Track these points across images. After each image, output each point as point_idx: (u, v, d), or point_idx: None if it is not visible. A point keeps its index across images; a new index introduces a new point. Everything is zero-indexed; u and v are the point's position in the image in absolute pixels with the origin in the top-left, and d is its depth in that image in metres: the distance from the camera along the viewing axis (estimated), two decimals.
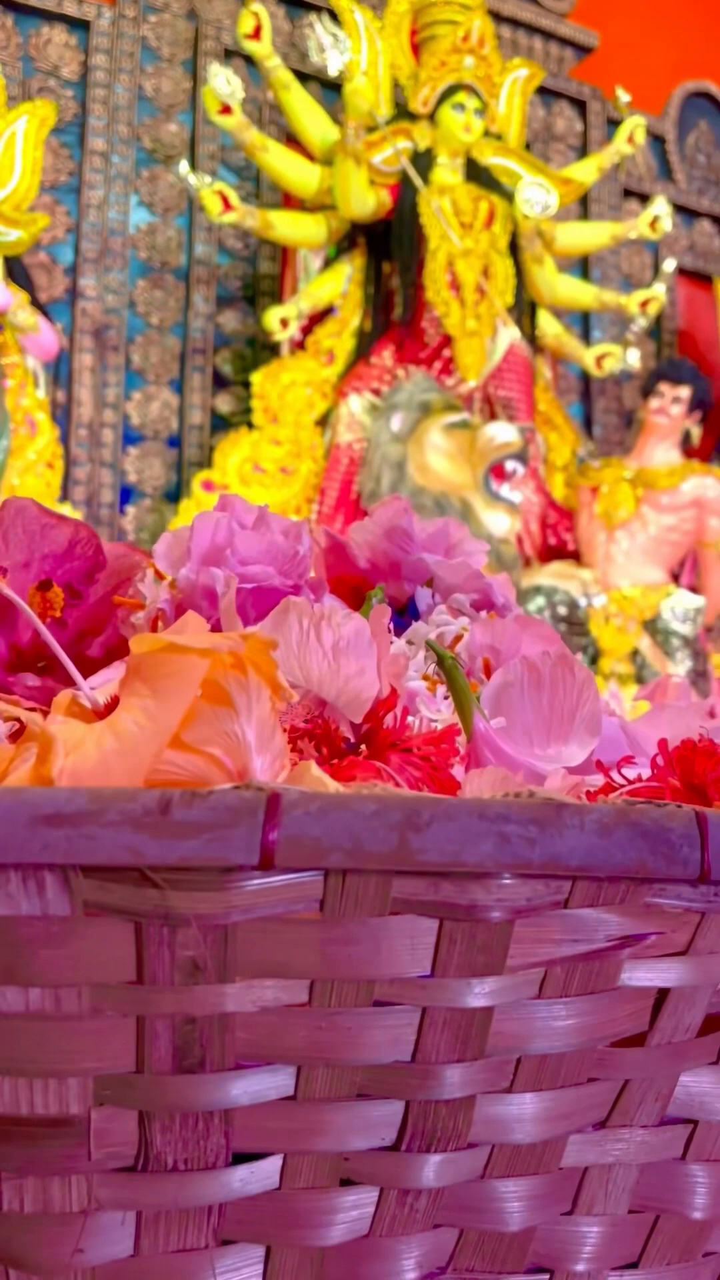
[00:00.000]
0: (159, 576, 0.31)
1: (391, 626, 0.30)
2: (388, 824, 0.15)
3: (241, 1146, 0.17)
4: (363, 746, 0.23)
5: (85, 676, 0.29)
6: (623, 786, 0.22)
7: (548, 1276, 0.19)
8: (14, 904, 0.15)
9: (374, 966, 0.16)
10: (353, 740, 0.23)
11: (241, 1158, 0.17)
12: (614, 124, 3.17)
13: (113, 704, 0.20)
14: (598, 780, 0.23)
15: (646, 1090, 0.18)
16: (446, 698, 0.27)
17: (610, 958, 0.17)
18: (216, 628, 0.30)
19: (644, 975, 0.17)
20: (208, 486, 2.62)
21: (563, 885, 0.16)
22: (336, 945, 0.16)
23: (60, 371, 2.67)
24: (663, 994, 0.18)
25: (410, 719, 0.25)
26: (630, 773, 0.23)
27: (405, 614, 0.32)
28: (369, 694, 0.24)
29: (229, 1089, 0.16)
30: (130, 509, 2.71)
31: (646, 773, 0.23)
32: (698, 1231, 0.19)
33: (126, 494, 2.71)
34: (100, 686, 0.22)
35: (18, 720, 0.28)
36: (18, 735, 0.26)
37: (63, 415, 2.64)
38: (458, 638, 0.29)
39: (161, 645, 0.18)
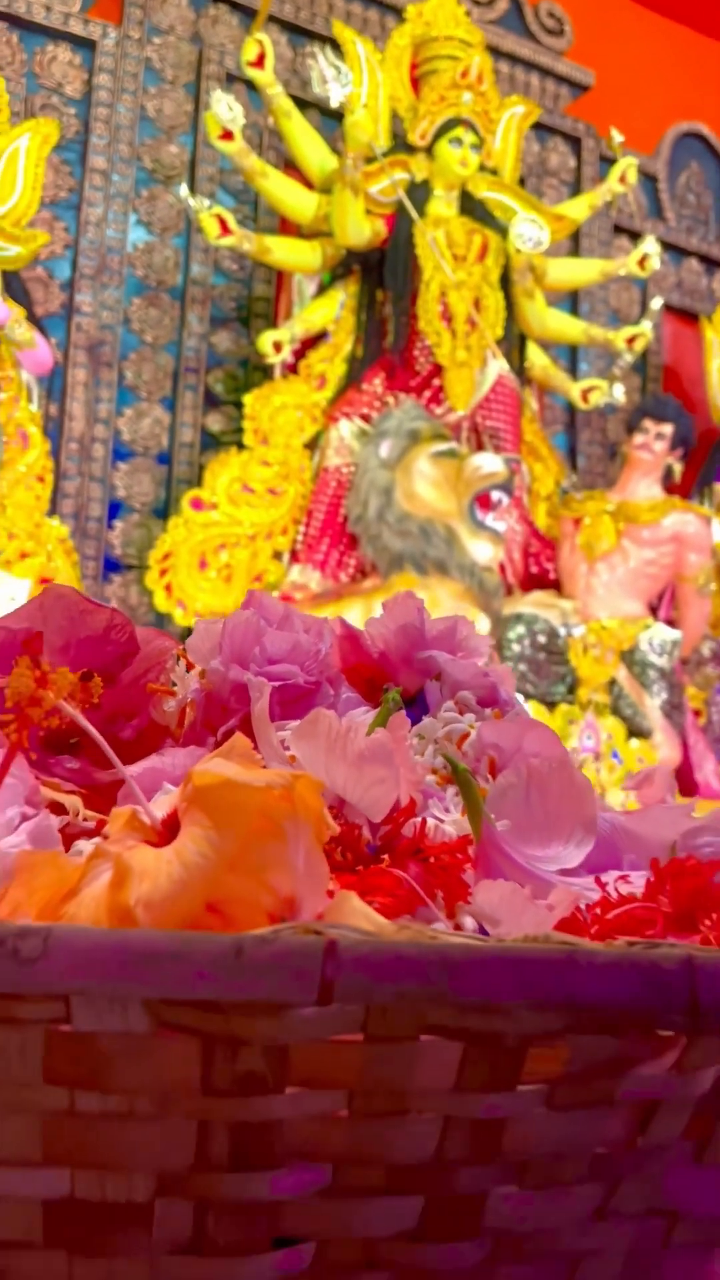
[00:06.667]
0: (189, 666, 0.34)
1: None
2: (427, 968, 0.17)
3: (281, 1232, 0.19)
4: (385, 855, 0.25)
5: (118, 756, 0.31)
6: (619, 906, 0.24)
7: None
8: (101, 1023, 0.17)
9: (405, 1081, 0.18)
10: (374, 843, 0.26)
11: (281, 1241, 0.19)
12: (607, 161, 3.23)
13: (170, 821, 0.22)
14: (593, 891, 0.26)
15: (635, 1187, 0.20)
16: (456, 796, 0.29)
17: (610, 1075, 0.19)
18: (245, 721, 0.32)
19: (638, 1090, 0.20)
20: (196, 505, 2.64)
21: (571, 1016, 0.18)
22: (374, 1064, 0.18)
23: (53, 386, 2.68)
24: (654, 1104, 0.20)
25: (429, 819, 0.28)
26: (624, 888, 0.25)
27: (415, 704, 0.35)
28: (388, 800, 0.27)
29: (275, 1184, 0.19)
30: (118, 524, 2.73)
31: (637, 880, 0.26)
32: None
33: (115, 509, 2.72)
34: (156, 801, 0.24)
35: (62, 807, 0.31)
36: (67, 828, 0.28)
37: (54, 429, 2.65)
38: (464, 735, 0.32)
39: (222, 780, 0.21)
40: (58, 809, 0.29)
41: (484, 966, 0.17)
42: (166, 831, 0.22)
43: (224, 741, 0.30)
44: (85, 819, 0.30)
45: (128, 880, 0.19)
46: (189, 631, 1.90)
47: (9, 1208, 0.18)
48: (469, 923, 0.24)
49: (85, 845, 0.27)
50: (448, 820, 0.28)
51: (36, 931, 0.16)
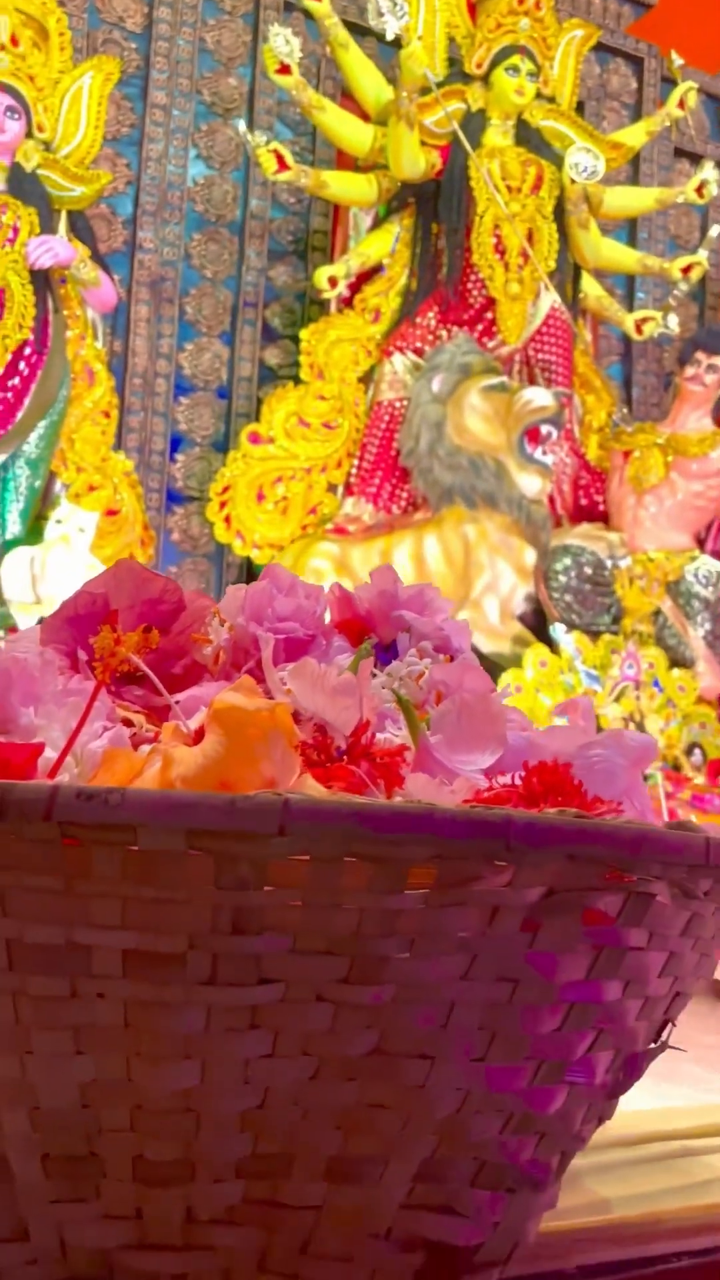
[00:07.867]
0: (222, 621, 0.46)
1: (379, 665, 0.45)
2: (345, 814, 0.29)
3: (262, 975, 0.32)
4: (345, 756, 0.37)
5: (170, 688, 0.43)
6: (492, 789, 0.36)
7: (431, 1061, 0.34)
8: (155, 844, 0.30)
9: (335, 885, 0.31)
10: (343, 749, 0.38)
11: (262, 980, 0.32)
12: (669, 83, 3.18)
13: (200, 732, 0.34)
14: (485, 782, 0.38)
15: (488, 961, 0.33)
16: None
17: (464, 886, 0.31)
18: (259, 664, 0.44)
19: (484, 898, 0.32)
20: (254, 439, 2.75)
21: (434, 846, 0.30)
22: (316, 874, 0.31)
23: (117, 322, 2.78)
24: (496, 908, 0.32)
25: (382, 735, 0.40)
26: (502, 780, 0.37)
27: (390, 651, 0.47)
28: (353, 720, 0.39)
29: (257, 944, 0.31)
30: (180, 457, 2.85)
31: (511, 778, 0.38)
32: (521, 1042, 0.34)
33: (176, 442, 2.84)
34: (194, 719, 0.37)
35: (130, 722, 0.43)
36: (135, 735, 0.41)
37: (119, 365, 2.76)
38: (421, 674, 0.44)
39: (230, 706, 0.33)
40: (128, 723, 0.42)
41: (380, 815, 0.29)
42: (197, 737, 0.34)
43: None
44: (146, 730, 0.43)
45: (172, 765, 0.31)
46: (247, 560, 2.02)
47: (102, 953, 0.31)
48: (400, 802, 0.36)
49: (146, 748, 0.39)
50: (400, 735, 0.40)
51: (119, 790, 0.29)
